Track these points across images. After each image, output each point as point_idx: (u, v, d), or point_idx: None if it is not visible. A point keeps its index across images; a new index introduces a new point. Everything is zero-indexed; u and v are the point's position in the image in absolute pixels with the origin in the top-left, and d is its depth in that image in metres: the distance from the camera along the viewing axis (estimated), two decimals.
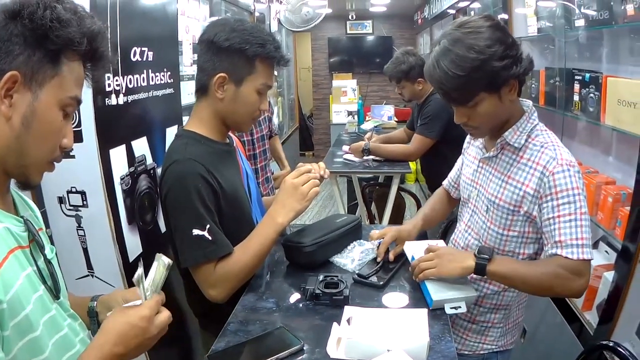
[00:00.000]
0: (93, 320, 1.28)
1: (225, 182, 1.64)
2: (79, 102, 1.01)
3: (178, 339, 2.09)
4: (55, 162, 1.03)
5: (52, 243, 1.21)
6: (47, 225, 2.15)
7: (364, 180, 5.37)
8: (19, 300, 0.91)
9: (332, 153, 4.69)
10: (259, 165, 2.94)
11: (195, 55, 3.43)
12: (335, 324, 1.37)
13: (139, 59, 2.21)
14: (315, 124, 10.47)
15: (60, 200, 2.18)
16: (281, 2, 6.23)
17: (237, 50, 1.60)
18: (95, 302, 1.30)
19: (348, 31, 9.93)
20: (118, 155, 2.12)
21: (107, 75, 1.99)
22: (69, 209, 2.17)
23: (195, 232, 1.51)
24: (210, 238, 1.52)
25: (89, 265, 2.21)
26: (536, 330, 2.59)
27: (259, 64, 1.63)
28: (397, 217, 4.75)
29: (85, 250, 2.20)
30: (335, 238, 1.77)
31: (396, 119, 6.61)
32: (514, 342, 1.87)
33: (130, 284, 2.18)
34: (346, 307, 1.44)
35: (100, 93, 1.97)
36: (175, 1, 2.57)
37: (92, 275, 2.21)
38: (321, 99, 10.18)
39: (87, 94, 1.90)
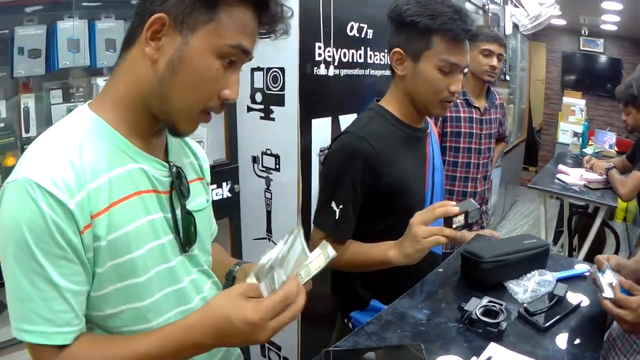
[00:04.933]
0: (228, 284, 1.18)
1: (395, 168, 1.52)
2: (245, 52, 0.90)
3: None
4: (212, 113, 0.95)
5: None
6: (236, 182, 2.28)
7: (574, 207, 4.89)
8: (126, 242, 0.88)
9: (548, 170, 4.34)
10: (480, 162, 2.78)
11: None
12: (474, 358, 1.18)
13: (356, 35, 2.17)
14: (542, 139, 9.81)
15: (254, 159, 2.25)
16: (517, 6, 5.90)
17: (411, 23, 1.45)
18: (238, 267, 1.20)
19: (581, 47, 9.12)
20: (321, 126, 2.12)
21: (317, 44, 1.99)
22: (261, 170, 2.23)
23: (333, 204, 1.51)
24: (337, 217, 1.51)
25: (269, 229, 2.25)
26: None
27: (435, 38, 1.45)
28: (596, 253, 4.22)
29: (269, 214, 2.24)
30: (517, 260, 1.53)
31: (617, 149, 5.91)
32: None
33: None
34: (491, 344, 1.23)
35: (308, 61, 1.98)
36: None
37: (269, 239, 2.25)
38: (550, 114, 9.46)
39: (293, 60, 1.96)
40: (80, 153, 0.85)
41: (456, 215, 1.33)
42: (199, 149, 1.18)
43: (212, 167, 2.18)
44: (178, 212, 0.99)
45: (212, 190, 2.22)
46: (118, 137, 0.91)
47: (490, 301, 1.33)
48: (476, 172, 2.77)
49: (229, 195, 2.28)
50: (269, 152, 2.16)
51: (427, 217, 1.35)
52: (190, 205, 1.03)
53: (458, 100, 2.65)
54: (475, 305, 1.31)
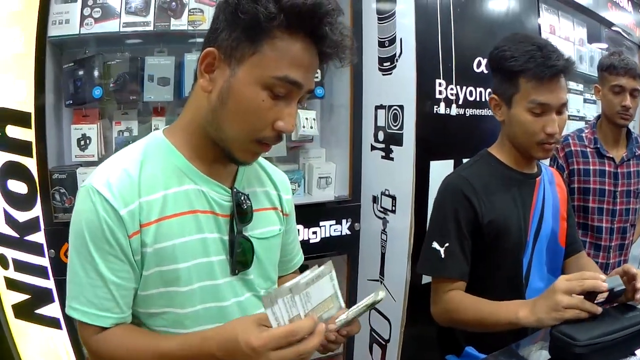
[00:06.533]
0: None
1: (495, 208, 1.49)
2: (294, 83, 0.91)
3: None
4: (268, 143, 0.97)
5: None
6: (357, 220, 2.25)
7: None
8: (172, 253, 0.96)
9: None
10: (615, 226, 2.33)
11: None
12: None
13: (485, 71, 2.05)
14: None
15: (374, 199, 2.20)
16: None
17: (498, 68, 1.49)
18: None
19: None
20: (440, 169, 1.98)
21: (437, 81, 1.91)
22: (379, 211, 2.17)
23: (435, 244, 1.47)
24: (442, 256, 1.46)
25: (382, 271, 2.18)
26: None
27: (521, 80, 1.43)
28: None
29: (383, 256, 2.17)
30: (616, 340, 1.21)
31: None
32: None
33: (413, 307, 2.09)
34: None
35: (427, 99, 1.90)
36: (537, 15, 2.33)
37: (381, 282, 2.18)
38: None
39: (410, 97, 1.89)
40: (140, 169, 0.97)
41: (602, 292, 1.17)
42: (283, 180, 1.22)
43: (336, 203, 2.20)
44: (237, 235, 1.04)
45: (331, 225, 2.21)
46: (180, 158, 1.01)
47: None
48: (609, 239, 2.31)
49: (348, 232, 2.26)
50: (387, 192, 2.10)
51: (574, 286, 1.20)
52: (253, 231, 1.08)
53: (588, 149, 2.27)
54: None
